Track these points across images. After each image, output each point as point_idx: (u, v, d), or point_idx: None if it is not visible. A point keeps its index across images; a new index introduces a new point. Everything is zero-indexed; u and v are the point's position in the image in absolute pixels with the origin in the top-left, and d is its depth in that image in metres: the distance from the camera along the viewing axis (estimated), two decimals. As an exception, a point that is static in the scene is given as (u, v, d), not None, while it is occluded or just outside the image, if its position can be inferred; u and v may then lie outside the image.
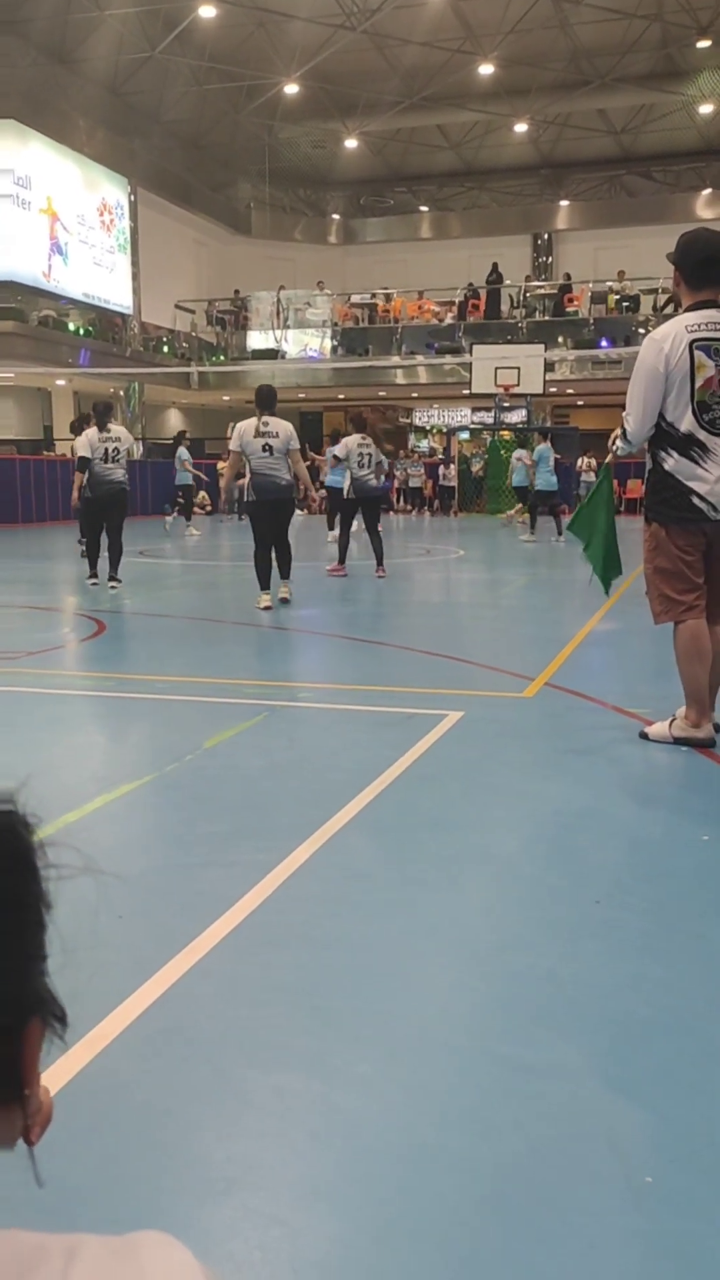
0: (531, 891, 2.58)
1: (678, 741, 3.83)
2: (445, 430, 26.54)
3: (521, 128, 27.19)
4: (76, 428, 9.06)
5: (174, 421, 30.54)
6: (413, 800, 3.25)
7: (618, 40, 23.49)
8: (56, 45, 22.04)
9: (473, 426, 28.31)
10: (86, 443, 8.89)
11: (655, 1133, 1.61)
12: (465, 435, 27.40)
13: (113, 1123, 1.64)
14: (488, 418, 24.86)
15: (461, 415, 28.99)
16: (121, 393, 25.28)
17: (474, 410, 28.12)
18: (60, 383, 23.92)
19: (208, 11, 21.50)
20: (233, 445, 7.72)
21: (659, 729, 3.91)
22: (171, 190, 27.06)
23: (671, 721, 3.89)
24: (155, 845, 2.93)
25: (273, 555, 7.86)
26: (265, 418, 7.64)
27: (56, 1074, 1.72)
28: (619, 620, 7.37)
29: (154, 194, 26.35)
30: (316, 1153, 1.58)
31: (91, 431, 8.98)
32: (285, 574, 7.95)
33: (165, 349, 26.60)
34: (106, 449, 8.83)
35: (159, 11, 22.17)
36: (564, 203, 30.09)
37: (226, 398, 28.86)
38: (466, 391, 23.09)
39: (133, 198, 25.60)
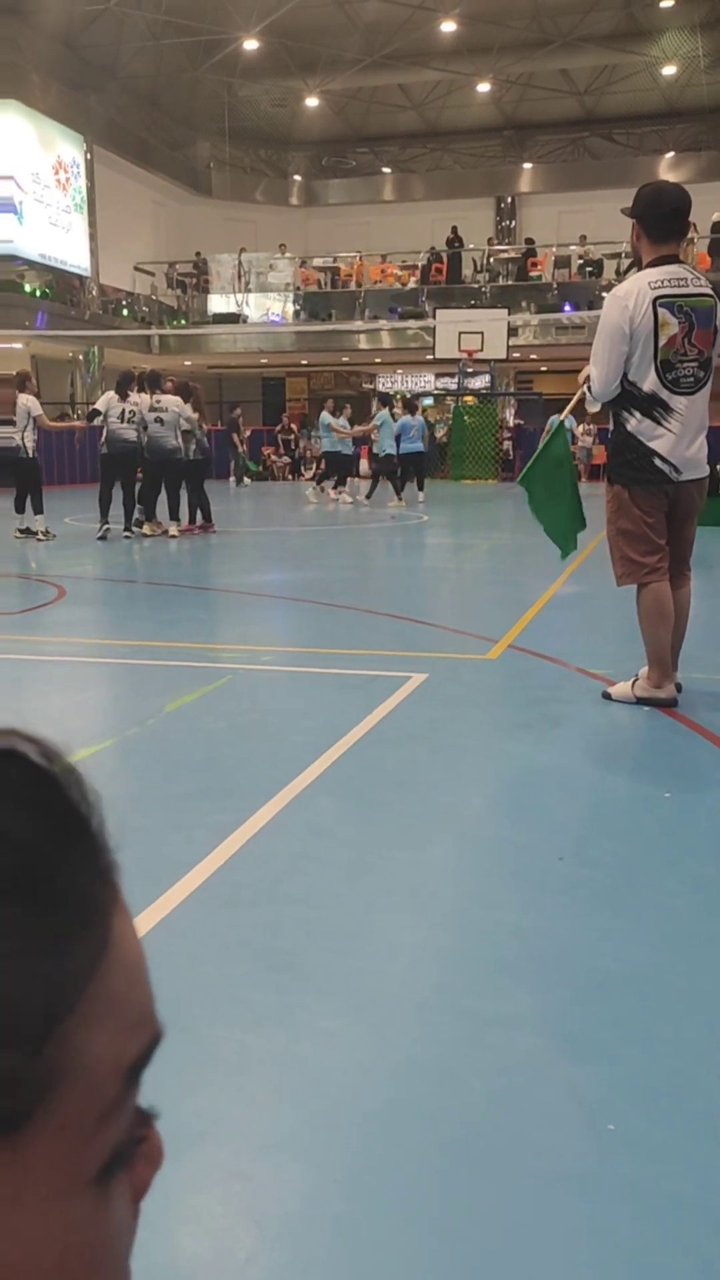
0: (496, 849, 2.59)
1: (640, 701, 3.85)
2: (409, 396, 26.40)
3: (484, 88, 26.87)
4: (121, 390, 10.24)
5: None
6: (377, 761, 3.25)
7: (581, -1, 23.24)
8: (7, -4, 21.39)
9: (436, 392, 28.18)
10: (104, 400, 10.20)
11: (617, 1081, 1.62)
12: (429, 401, 27.25)
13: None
14: (451, 383, 24.73)
15: (425, 381, 28.82)
16: (80, 356, 24.85)
17: (438, 376, 27.97)
18: (17, 346, 23.44)
19: (164, -38, 20.95)
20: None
21: (621, 689, 3.93)
22: (129, 149, 26.48)
23: (634, 682, 3.91)
24: (115, 809, 2.88)
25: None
26: (157, 397, 10.09)
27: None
28: (582, 583, 7.39)
29: (111, 152, 25.76)
30: (281, 1107, 1.57)
31: (111, 394, 10.14)
32: (172, 514, 10.34)
33: (125, 312, 26.15)
34: (124, 410, 10.03)
35: (113, -38, 21.59)
36: (527, 165, 29.84)
37: (188, 362, 28.46)
38: (430, 357, 22.95)
39: (89, 156, 25.01)
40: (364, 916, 2.19)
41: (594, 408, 4.18)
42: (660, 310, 3.59)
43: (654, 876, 2.40)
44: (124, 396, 10.08)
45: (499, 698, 4.13)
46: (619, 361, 3.66)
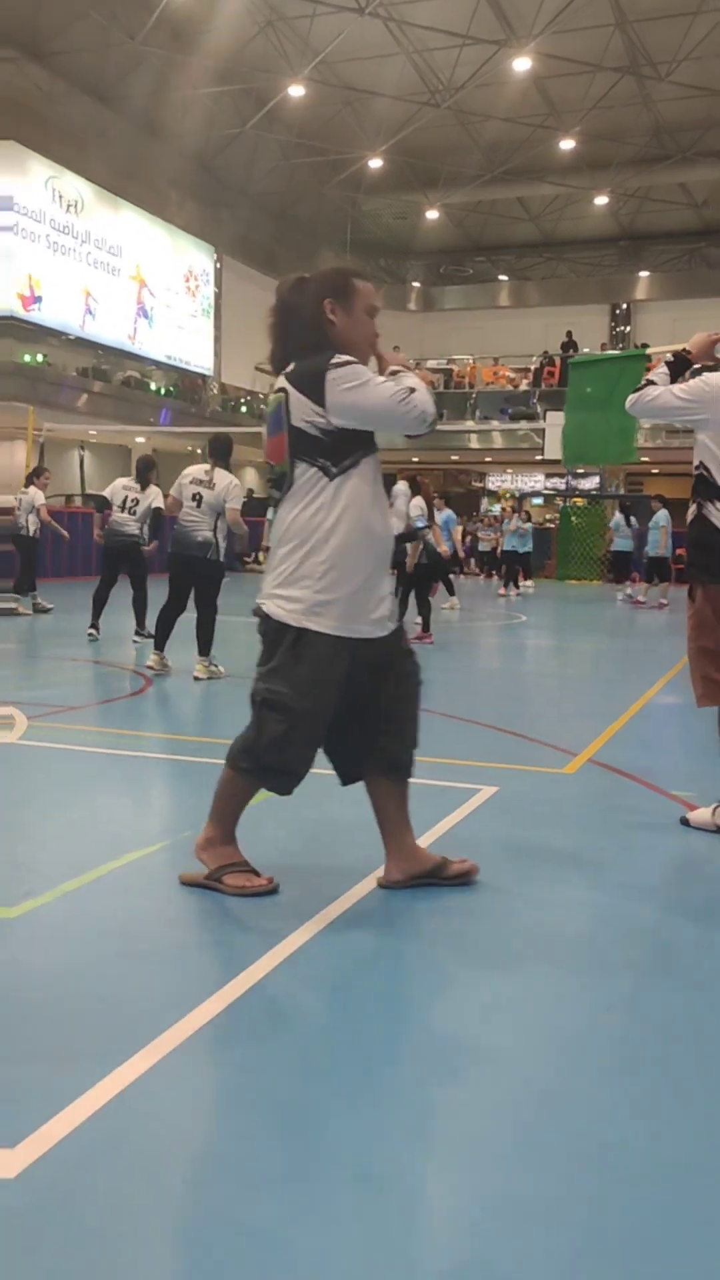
0: (537, 990, 2.39)
1: (720, 831, 3.60)
2: (516, 495, 26.50)
3: (601, 200, 27.44)
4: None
5: (250, 479, 31.06)
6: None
7: (701, 116, 23.64)
8: (150, 120, 23.00)
9: (546, 492, 28.22)
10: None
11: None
12: (538, 500, 27.30)
13: (45, 1247, 1.50)
14: (561, 484, 24.78)
15: (535, 481, 28.93)
16: (200, 450, 25.82)
17: (548, 476, 28.05)
18: (140, 440, 24.54)
19: (296, 90, 22.25)
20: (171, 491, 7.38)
21: (701, 815, 3.69)
22: (255, 258, 27.85)
23: (715, 808, 3.67)
24: (150, 920, 2.81)
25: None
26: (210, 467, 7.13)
27: (-18, 1179, 1.59)
28: (679, 693, 7.10)
29: (238, 261, 27.15)
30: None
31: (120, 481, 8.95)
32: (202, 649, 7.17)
33: (244, 409, 27.16)
34: (126, 499, 8.67)
35: (250, 91, 23.03)
36: (643, 273, 30.17)
37: (301, 458, 29.19)
38: (539, 458, 23.04)
39: (218, 265, 26.41)
40: (384, 1061, 2.03)
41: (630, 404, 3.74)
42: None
43: (712, 1041, 2.17)
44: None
45: (568, 819, 3.92)
46: (663, 415, 3.65)
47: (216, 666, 7.18)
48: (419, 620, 9.80)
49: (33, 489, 11.65)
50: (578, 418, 4.26)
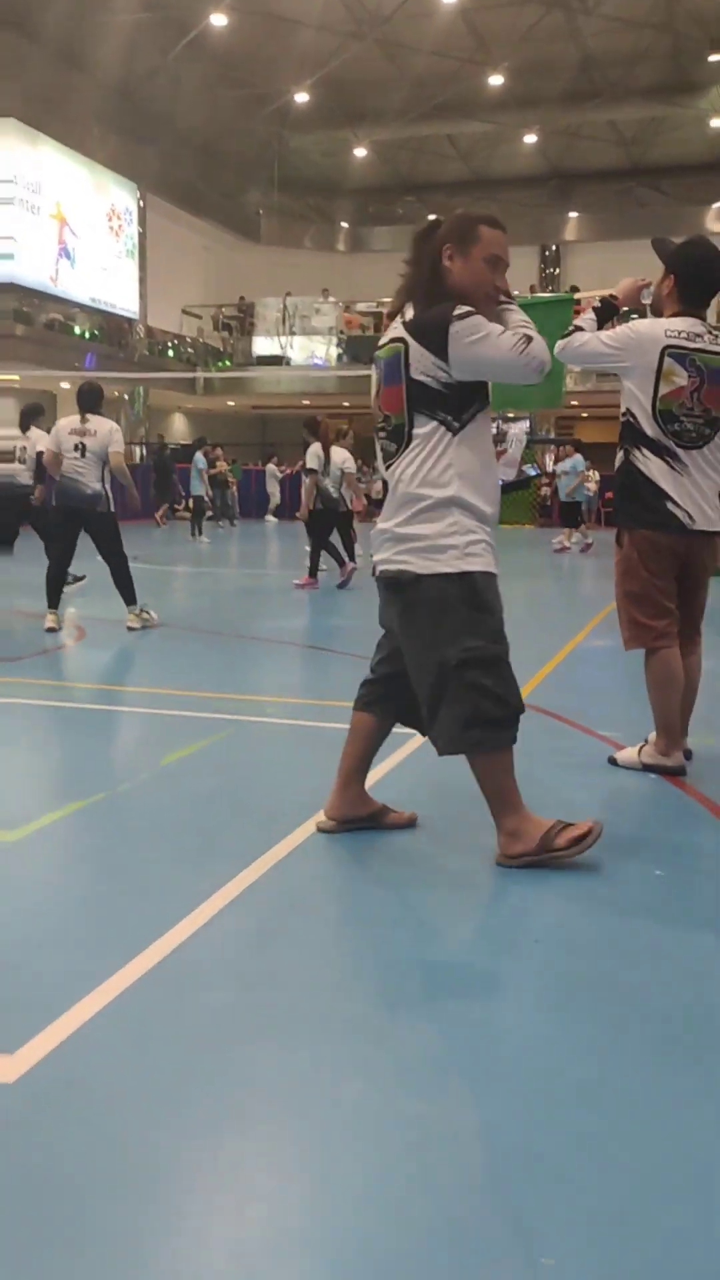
0: (469, 928, 2.48)
1: (646, 769, 3.72)
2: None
3: (531, 138, 27.16)
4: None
5: (179, 426, 30.55)
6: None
7: (628, 51, 23.41)
8: (68, 49, 22.03)
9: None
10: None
11: (564, 1211, 1.50)
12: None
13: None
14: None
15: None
16: (126, 396, 25.27)
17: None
18: (65, 386, 23.89)
19: (219, 20, 21.51)
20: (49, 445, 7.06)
21: (628, 755, 3.80)
22: (181, 196, 27.07)
23: (641, 747, 3.79)
24: (89, 871, 2.83)
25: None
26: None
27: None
28: (610, 636, 7.25)
29: (163, 200, 26.36)
30: (211, 1233, 1.48)
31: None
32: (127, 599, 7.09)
33: (171, 354, 26.60)
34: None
35: (172, 19, 22.17)
36: (573, 214, 30.04)
37: (231, 403, 28.87)
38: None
39: (142, 204, 25.61)
40: (326, 1003, 2.09)
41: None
42: (668, 359, 3.49)
43: (630, 969, 2.27)
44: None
45: (503, 760, 4.01)
46: (591, 362, 3.64)
47: (149, 614, 7.13)
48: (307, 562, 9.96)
49: None
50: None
